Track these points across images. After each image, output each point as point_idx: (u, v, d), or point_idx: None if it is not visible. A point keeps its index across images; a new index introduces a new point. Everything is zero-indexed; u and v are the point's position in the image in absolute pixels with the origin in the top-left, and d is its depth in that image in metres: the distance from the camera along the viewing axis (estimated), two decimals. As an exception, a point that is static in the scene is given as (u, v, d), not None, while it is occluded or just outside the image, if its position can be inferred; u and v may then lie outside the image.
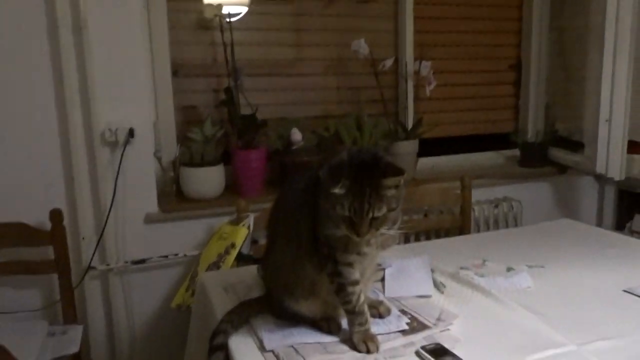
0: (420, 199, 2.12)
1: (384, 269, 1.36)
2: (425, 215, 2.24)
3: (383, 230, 0.94)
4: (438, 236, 2.28)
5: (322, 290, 1.04)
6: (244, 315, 1.13)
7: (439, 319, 1.12)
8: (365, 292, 1.07)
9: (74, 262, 1.86)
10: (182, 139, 2.14)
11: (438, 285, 1.29)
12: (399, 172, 0.92)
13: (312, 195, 0.98)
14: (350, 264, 0.99)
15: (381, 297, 1.22)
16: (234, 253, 1.77)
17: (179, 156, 2.07)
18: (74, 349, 1.61)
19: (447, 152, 2.67)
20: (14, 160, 1.79)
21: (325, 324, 1.07)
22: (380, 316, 1.12)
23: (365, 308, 1.03)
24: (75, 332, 1.70)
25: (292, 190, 1.08)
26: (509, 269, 1.40)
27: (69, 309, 1.80)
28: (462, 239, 1.78)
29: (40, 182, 1.82)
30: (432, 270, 1.37)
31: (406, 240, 2.13)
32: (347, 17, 2.39)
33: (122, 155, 1.86)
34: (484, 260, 1.47)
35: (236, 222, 1.87)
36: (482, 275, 1.36)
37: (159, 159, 2.06)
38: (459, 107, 2.63)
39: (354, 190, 0.91)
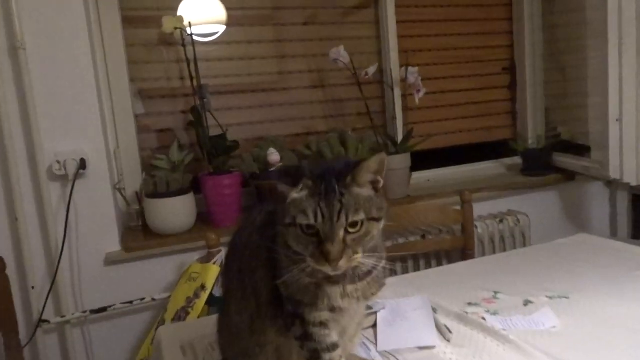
0: (416, 218, 1.90)
1: (375, 313, 1.13)
2: (423, 237, 2.01)
3: (361, 258, 0.68)
4: (438, 259, 2.06)
5: (292, 357, 0.80)
6: (199, 388, 0.89)
7: (446, 381, 0.88)
8: (349, 353, 0.83)
9: (24, 316, 1.64)
10: (149, 167, 1.92)
11: (442, 331, 1.05)
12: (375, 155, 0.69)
13: (272, 235, 0.75)
14: (323, 324, 0.75)
15: (372, 353, 0.98)
16: (204, 296, 1.53)
17: (143, 186, 1.84)
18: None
19: (442, 164, 2.45)
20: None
21: (300, 400, 0.83)
22: (372, 382, 0.88)
23: (350, 378, 0.79)
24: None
25: (247, 230, 0.84)
26: (526, 303, 1.17)
27: (17, 372, 1.55)
28: (466, 265, 1.54)
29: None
30: (435, 311, 1.13)
31: (403, 263, 1.91)
32: (326, 26, 2.20)
33: (72, 189, 1.64)
34: (496, 293, 1.24)
35: (207, 259, 1.63)
36: (495, 313, 1.13)
37: (121, 191, 1.83)
38: (452, 115, 2.43)
39: (318, 189, 0.67)
